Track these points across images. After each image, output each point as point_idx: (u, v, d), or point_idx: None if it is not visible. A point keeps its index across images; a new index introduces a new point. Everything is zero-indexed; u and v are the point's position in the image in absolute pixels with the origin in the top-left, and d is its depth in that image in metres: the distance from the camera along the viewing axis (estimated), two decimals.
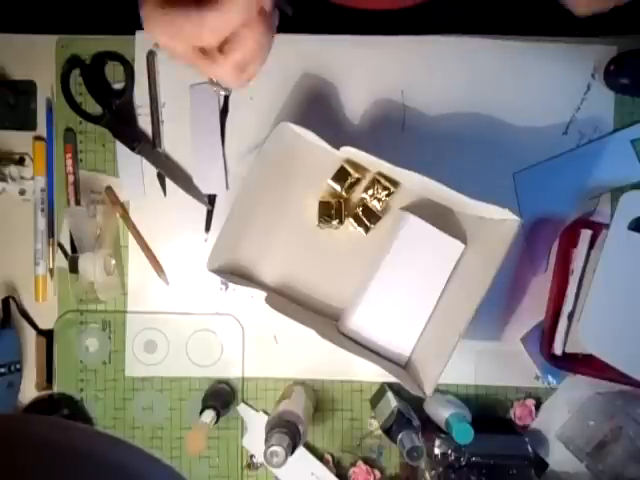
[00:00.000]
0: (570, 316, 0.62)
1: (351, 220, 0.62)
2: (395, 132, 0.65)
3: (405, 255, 0.59)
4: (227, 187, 0.66)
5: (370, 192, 0.61)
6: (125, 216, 0.66)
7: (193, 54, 0.42)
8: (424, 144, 0.65)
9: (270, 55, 0.65)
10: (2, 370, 0.64)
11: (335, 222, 0.62)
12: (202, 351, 0.67)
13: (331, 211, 0.61)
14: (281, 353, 0.66)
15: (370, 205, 0.61)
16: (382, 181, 0.61)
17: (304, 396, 0.62)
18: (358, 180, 0.62)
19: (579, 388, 0.65)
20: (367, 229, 0.62)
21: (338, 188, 0.61)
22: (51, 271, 0.67)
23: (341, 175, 0.61)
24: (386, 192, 0.61)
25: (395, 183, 0.61)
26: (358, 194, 0.62)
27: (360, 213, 0.62)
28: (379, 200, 0.61)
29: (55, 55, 0.66)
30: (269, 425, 0.55)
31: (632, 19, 0.73)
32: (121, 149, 0.66)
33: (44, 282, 0.67)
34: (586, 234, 0.62)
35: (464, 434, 0.56)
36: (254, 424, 0.66)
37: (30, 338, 0.67)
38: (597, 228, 0.62)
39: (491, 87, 0.65)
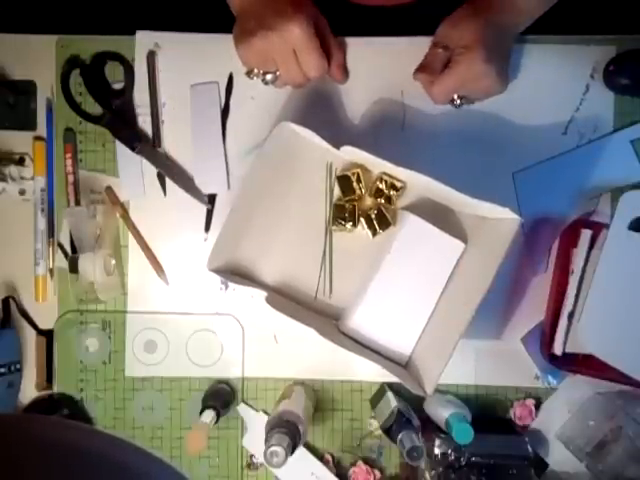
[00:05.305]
0: (570, 316, 0.62)
1: (362, 221, 0.62)
2: (395, 132, 0.65)
3: (405, 254, 0.59)
4: (229, 187, 0.66)
5: (382, 191, 0.61)
6: (125, 216, 0.66)
7: None
8: (424, 144, 0.65)
9: None
10: (2, 370, 0.64)
11: (349, 225, 0.62)
12: (202, 351, 0.67)
13: (345, 214, 0.62)
14: (281, 353, 0.66)
15: (384, 210, 0.61)
16: (388, 180, 0.61)
17: (304, 396, 0.62)
18: (359, 181, 0.61)
19: (579, 388, 0.65)
20: (375, 233, 0.62)
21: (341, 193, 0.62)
22: (51, 271, 0.67)
23: (345, 183, 0.61)
24: (395, 191, 0.61)
25: (400, 182, 0.61)
26: (367, 198, 0.62)
27: (373, 217, 0.61)
28: (389, 199, 0.61)
29: (55, 55, 0.66)
30: (269, 425, 0.55)
31: (631, 19, 0.73)
32: (121, 149, 0.66)
33: (44, 282, 0.67)
34: (586, 234, 0.62)
35: (464, 434, 0.56)
36: (254, 424, 0.66)
37: (30, 338, 0.67)
38: (597, 228, 0.62)
39: None
